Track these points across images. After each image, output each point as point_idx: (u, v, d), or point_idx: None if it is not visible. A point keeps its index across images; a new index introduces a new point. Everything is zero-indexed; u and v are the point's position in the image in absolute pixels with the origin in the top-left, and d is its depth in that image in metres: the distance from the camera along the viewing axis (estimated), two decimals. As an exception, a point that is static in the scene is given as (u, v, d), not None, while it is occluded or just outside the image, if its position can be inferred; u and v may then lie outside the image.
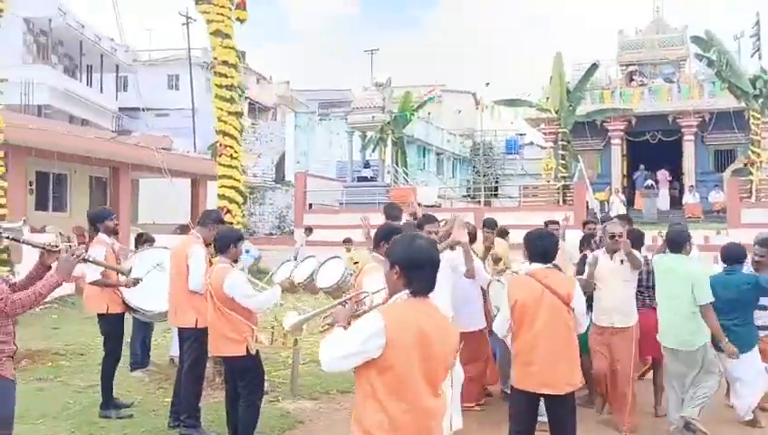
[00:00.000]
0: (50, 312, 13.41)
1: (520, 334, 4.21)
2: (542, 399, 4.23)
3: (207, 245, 5.74)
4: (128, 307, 6.52)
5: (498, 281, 5.05)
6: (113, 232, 6.49)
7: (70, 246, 3.71)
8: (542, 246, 4.30)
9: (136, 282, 6.29)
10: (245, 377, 5.16)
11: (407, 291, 2.73)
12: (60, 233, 17.08)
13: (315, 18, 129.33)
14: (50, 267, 3.71)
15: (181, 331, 5.84)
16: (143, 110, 27.20)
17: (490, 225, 7.54)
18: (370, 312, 2.80)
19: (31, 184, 19.00)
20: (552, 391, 4.16)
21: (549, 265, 4.28)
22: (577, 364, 4.26)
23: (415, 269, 2.72)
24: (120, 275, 6.26)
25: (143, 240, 8.15)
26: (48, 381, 7.64)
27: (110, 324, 6.44)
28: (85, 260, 3.79)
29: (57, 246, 3.71)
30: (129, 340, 7.76)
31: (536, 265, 4.28)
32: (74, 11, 29.89)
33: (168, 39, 67.59)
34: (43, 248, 3.71)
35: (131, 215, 21.26)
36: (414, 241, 2.83)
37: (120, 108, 33.82)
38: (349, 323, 2.90)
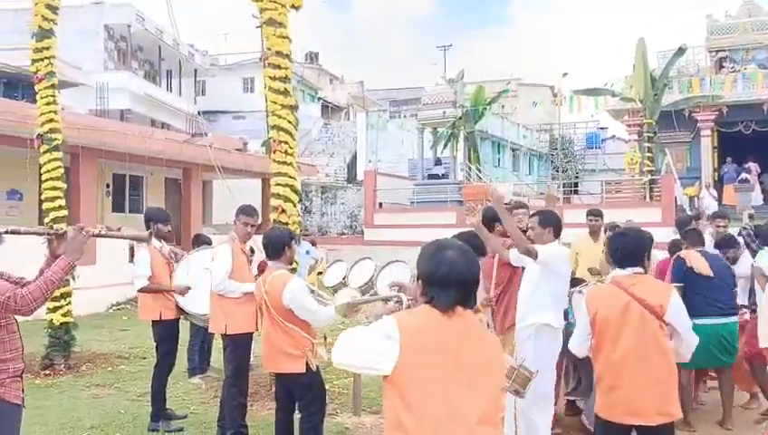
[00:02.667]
0: (121, 313, 13.53)
1: (602, 354, 3.51)
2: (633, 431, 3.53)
3: (243, 242, 5.45)
4: (182, 312, 6.20)
5: (580, 292, 4.34)
6: (163, 237, 6.18)
7: (81, 226, 3.20)
8: (628, 247, 3.59)
9: (186, 289, 5.98)
10: (307, 395, 4.69)
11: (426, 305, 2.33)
12: (119, 229, 17.35)
13: (390, 19, 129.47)
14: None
15: (222, 337, 5.48)
16: (201, 113, 27.43)
17: (596, 214, 7.42)
18: (384, 318, 2.42)
19: (108, 186, 19.44)
20: (642, 422, 3.45)
21: (638, 269, 3.57)
22: (674, 390, 3.52)
23: (436, 286, 2.31)
24: (167, 260, 6.00)
25: (199, 242, 7.87)
26: (105, 387, 7.47)
27: (164, 331, 6.13)
28: (96, 235, 3.30)
29: (63, 230, 3.27)
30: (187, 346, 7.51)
31: (621, 271, 3.59)
32: (152, 17, 30.62)
33: (244, 43, 68.88)
34: (48, 235, 3.30)
35: (204, 215, 21.44)
36: (441, 251, 2.34)
37: (198, 111, 34.48)
38: None
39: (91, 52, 27.70)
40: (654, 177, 21.55)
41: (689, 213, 16.99)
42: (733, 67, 25.45)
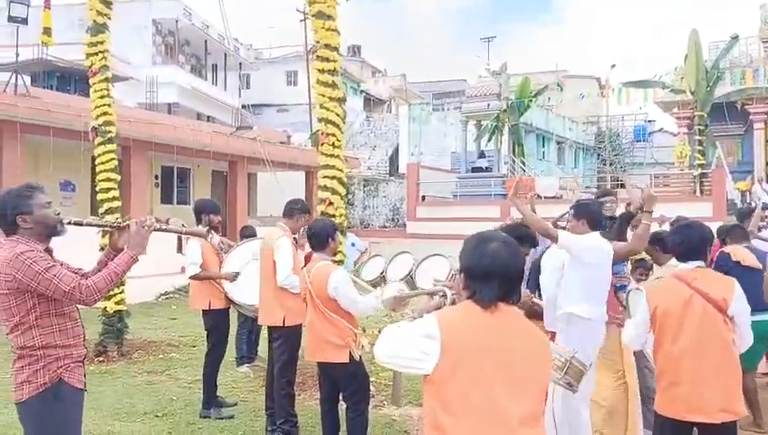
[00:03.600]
0: (170, 302, 13.82)
1: (662, 349, 3.43)
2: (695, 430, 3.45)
3: (294, 236, 5.42)
4: (231, 302, 6.30)
5: (638, 289, 4.22)
6: (213, 227, 6.26)
7: (141, 220, 3.22)
8: (693, 241, 3.50)
9: (235, 276, 6.07)
10: (351, 385, 4.72)
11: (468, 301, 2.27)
12: (183, 225, 17.70)
13: (432, 10, 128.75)
14: (121, 250, 3.32)
15: (270, 330, 5.51)
16: (248, 106, 27.68)
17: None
18: (425, 317, 2.36)
19: (157, 178, 19.85)
20: (705, 419, 3.37)
21: (700, 263, 3.48)
22: (737, 387, 3.43)
23: (478, 280, 2.24)
24: (216, 250, 6.06)
25: (247, 233, 7.97)
26: (157, 374, 7.63)
27: (214, 320, 6.25)
28: (157, 229, 3.33)
29: (125, 222, 3.31)
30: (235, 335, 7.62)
31: (683, 265, 3.50)
32: (199, 12, 31.09)
33: (288, 37, 69.36)
34: (110, 227, 3.35)
35: (249, 207, 21.72)
36: (484, 243, 2.28)
37: (242, 105, 34.89)
38: None
39: (140, 46, 28.27)
40: (704, 171, 20.99)
41: (750, 205, 16.48)
42: (788, 57, 24.63)
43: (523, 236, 4.45)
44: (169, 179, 20.65)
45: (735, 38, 22.40)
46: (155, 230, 3.23)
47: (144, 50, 28.58)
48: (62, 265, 3.03)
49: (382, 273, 5.69)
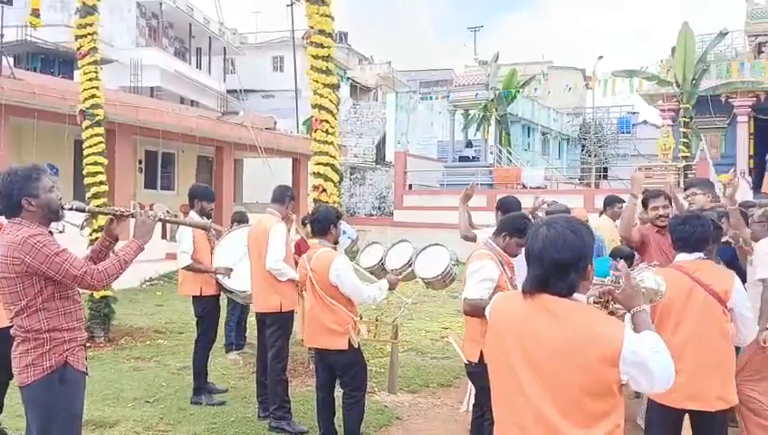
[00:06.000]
0: (155, 288, 13.71)
1: (662, 338, 3.46)
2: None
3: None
4: (222, 289, 6.25)
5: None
6: (206, 215, 6.20)
7: (146, 210, 3.26)
8: (700, 233, 3.53)
9: (228, 271, 6.03)
10: (349, 372, 4.71)
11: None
12: (167, 211, 17.52)
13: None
14: (117, 238, 3.32)
15: (263, 316, 5.49)
16: (240, 91, 27.43)
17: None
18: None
19: (140, 163, 19.64)
20: (701, 407, 3.42)
21: (702, 255, 3.51)
22: (732, 376, 3.49)
23: (528, 261, 2.26)
24: (207, 237, 6.01)
25: (238, 219, 7.91)
26: (145, 360, 7.58)
27: (204, 307, 6.20)
28: (162, 220, 3.35)
29: (130, 211, 3.30)
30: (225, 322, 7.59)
31: (685, 256, 3.53)
32: (184, -5, 30.70)
33: (274, 22, 68.75)
34: (114, 215, 3.32)
35: (235, 194, 21.58)
36: (540, 227, 2.27)
37: (227, 90, 34.58)
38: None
39: (123, 29, 27.88)
40: (689, 163, 21.17)
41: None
42: (772, 52, 24.83)
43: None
44: (153, 164, 20.44)
45: (724, 33, 22.54)
46: (159, 221, 3.24)
47: (127, 32, 28.18)
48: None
49: (381, 261, 5.66)
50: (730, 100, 24.39)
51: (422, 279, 5.76)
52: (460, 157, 24.26)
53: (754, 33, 25.49)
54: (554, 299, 2.17)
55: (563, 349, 2.10)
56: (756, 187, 22.12)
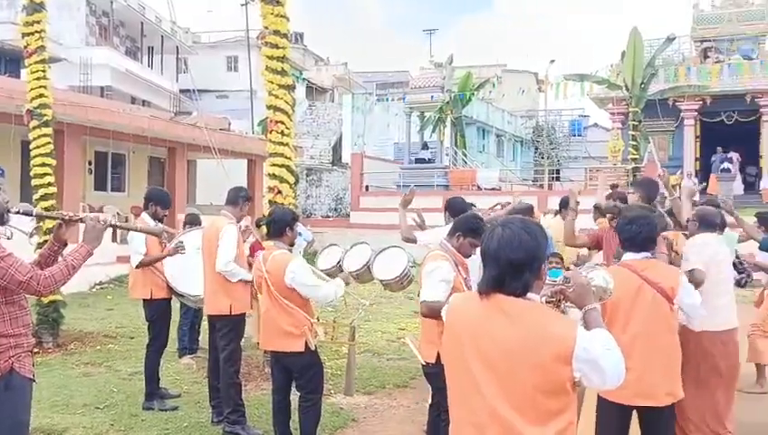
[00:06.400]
0: (106, 292, 13.41)
1: (612, 337, 3.55)
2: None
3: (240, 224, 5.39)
4: (173, 292, 6.15)
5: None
6: (159, 219, 6.08)
7: (96, 215, 3.19)
8: (647, 232, 3.62)
9: (176, 249, 5.88)
10: (305, 375, 4.67)
11: None
12: (118, 213, 17.13)
13: (378, 1, 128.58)
14: (65, 243, 3.24)
15: (213, 319, 5.42)
16: (193, 91, 27.01)
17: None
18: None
19: (90, 164, 19.18)
20: (651, 403, 3.51)
21: (649, 254, 3.61)
22: (679, 371, 3.59)
23: (483, 261, 2.28)
24: (159, 239, 5.86)
25: (190, 221, 7.79)
26: (95, 365, 7.41)
27: (155, 310, 6.07)
28: (113, 226, 3.29)
29: (78, 216, 3.23)
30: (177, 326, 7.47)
31: (633, 255, 3.62)
32: (135, -7, 30.09)
33: (228, 21, 67.96)
34: (62, 219, 3.24)
35: (188, 195, 21.27)
36: (495, 228, 2.30)
37: (180, 89, 34.02)
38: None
39: (73, 27, 27.19)
40: (637, 165, 21.72)
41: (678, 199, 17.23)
42: (717, 57, 25.64)
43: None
44: (104, 166, 19.98)
45: (672, 39, 23.20)
46: (110, 226, 3.19)
47: (77, 30, 27.49)
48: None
49: (339, 262, 5.65)
50: (677, 103, 25.13)
51: (380, 281, 5.77)
52: (416, 158, 24.41)
53: (700, 38, 26.33)
54: (509, 299, 2.19)
55: (518, 348, 2.13)
56: (702, 188, 22.83)
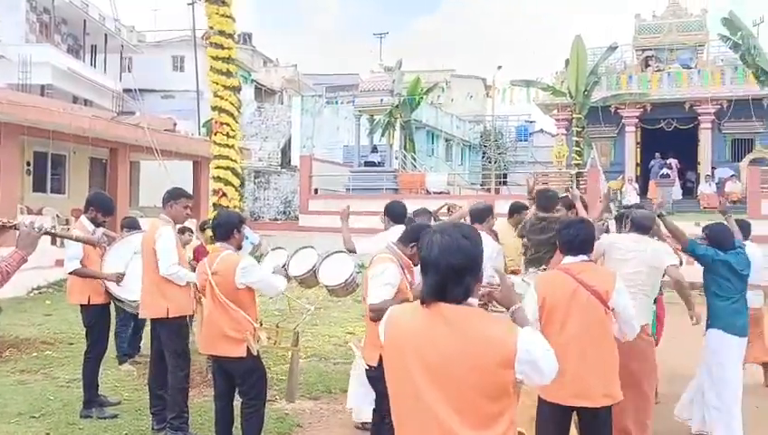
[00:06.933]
0: (44, 297, 13.00)
1: (549, 338, 3.54)
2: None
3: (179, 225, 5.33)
4: (112, 298, 5.99)
5: (523, 280, 4.44)
6: (98, 224, 5.91)
7: (32, 222, 3.11)
8: (584, 236, 3.70)
9: (120, 277, 5.76)
10: (248, 380, 4.61)
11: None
12: (57, 215, 16.62)
13: (328, 3, 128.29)
14: None
15: (155, 323, 5.31)
16: (135, 90, 26.45)
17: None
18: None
19: (29, 164, 18.55)
20: (588, 404, 3.59)
21: (585, 257, 3.69)
22: (616, 373, 3.68)
23: (423, 270, 2.26)
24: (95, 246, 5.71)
25: (127, 224, 7.59)
26: (31, 373, 7.16)
27: (93, 316, 5.90)
28: (48, 233, 3.21)
29: (12, 222, 3.14)
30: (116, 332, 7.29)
31: (570, 259, 3.70)
32: (78, -11, 29.26)
33: (175, 20, 66.78)
34: None
35: (131, 197, 20.79)
36: (431, 234, 2.27)
37: (124, 89, 33.21)
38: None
39: (12, 23, 26.26)
40: (581, 170, 22.26)
41: (620, 202, 17.79)
42: (658, 66, 26.46)
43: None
44: (43, 166, 19.33)
45: (614, 47, 23.88)
46: (45, 234, 3.12)
47: (17, 27, 26.52)
48: None
49: (284, 266, 5.60)
50: (619, 110, 25.85)
51: (325, 286, 5.75)
52: (366, 162, 24.42)
53: (642, 47, 27.13)
54: (450, 307, 2.18)
55: (461, 355, 2.13)
56: (643, 192, 23.57)
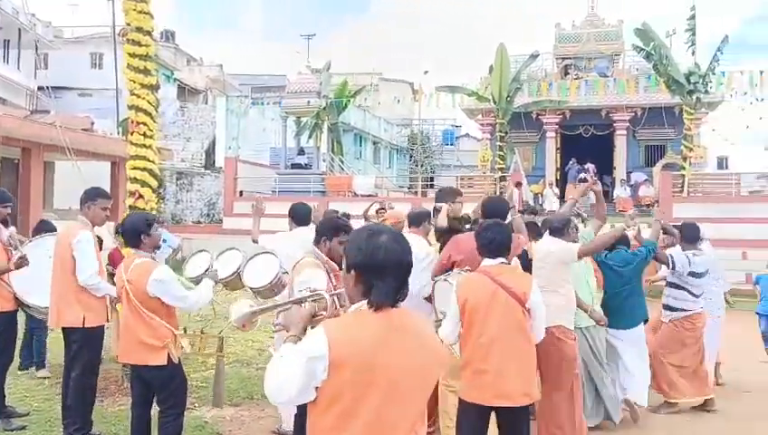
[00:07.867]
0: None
1: (470, 339, 3.67)
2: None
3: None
4: (21, 304, 5.68)
5: (445, 280, 4.47)
6: (2, 220, 5.60)
7: None
8: (503, 239, 3.77)
9: (21, 261, 5.41)
10: (166, 389, 4.44)
11: (364, 302, 2.11)
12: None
13: (255, 2, 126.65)
14: None
15: (66, 331, 5.07)
16: (48, 88, 25.36)
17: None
18: (314, 329, 2.16)
19: (-68, 164, 17.47)
20: (508, 403, 3.66)
21: (504, 260, 3.76)
22: (534, 374, 3.77)
23: (373, 275, 2.09)
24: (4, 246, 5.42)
25: (42, 228, 7.23)
26: (-70, 386, 6.69)
27: (0, 324, 5.59)
28: None
29: None
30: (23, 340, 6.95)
31: (489, 261, 3.76)
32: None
33: (93, 15, 64.45)
34: None
35: (45, 199, 19.88)
36: (375, 236, 2.15)
37: (38, 86, 31.75)
38: (304, 332, 2.34)
39: None
40: (504, 174, 22.78)
41: (541, 205, 18.35)
42: (576, 74, 27.36)
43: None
44: (-52, 166, 18.26)
45: (536, 55, 24.55)
46: None
47: None
48: None
49: (207, 269, 5.44)
50: (540, 117, 26.59)
51: (250, 288, 5.62)
52: (293, 164, 24.21)
53: (562, 55, 27.99)
54: (399, 311, 2.12)
55: (420, 366, 2.11)
56: (561, 196, 24.32)
